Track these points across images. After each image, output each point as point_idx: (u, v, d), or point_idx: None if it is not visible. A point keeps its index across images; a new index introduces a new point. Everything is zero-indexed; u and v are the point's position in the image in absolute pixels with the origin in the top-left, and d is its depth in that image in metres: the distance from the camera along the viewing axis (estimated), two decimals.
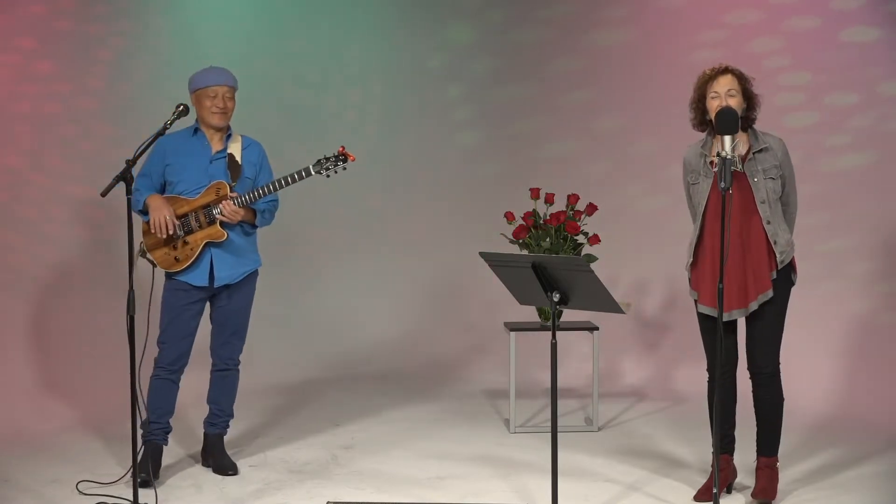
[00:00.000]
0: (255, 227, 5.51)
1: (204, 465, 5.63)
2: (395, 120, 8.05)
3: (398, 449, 5.98)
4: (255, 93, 7.75)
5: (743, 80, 4.90)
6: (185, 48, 7.50)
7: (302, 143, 7.75)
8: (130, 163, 4.71)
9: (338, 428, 6.36)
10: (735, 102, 4.85)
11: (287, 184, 5.33)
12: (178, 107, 4.97)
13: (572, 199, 6.41)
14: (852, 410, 6.56)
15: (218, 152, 5.44)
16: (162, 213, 5.29)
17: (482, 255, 4.66)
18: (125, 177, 4.67)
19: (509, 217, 6.46)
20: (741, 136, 4.88)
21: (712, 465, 4.96)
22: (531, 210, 6.40)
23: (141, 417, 5.30)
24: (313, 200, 7.90)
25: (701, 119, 4.97)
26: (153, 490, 5.04)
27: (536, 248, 6.29)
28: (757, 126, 4.97)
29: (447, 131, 8.06)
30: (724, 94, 4.86)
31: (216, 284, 5.42)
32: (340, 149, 5.42)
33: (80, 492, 5.22)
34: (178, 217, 5.34)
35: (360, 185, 8.00)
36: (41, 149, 6.98)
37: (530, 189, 6.48)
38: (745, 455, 5.28)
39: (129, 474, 5.23)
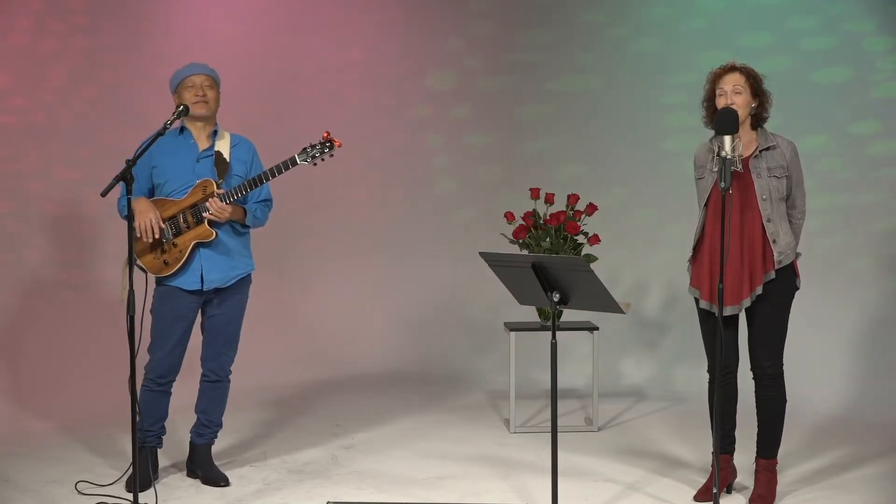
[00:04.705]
0: (246, 226, 5.34)
1: (189, 475, 5.48)
2: (394, 119, 8.04)
3: (398, 449, 5.97)
4: (254, 92, 7.77)
5: (751, 78, 4.88)
6: (182, 47, 7.50)
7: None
8: (130, 163, 4.69)
9: (338, 428, 6.36)
10: (741, 100, 4.84)
11: (274, 175, 5.13)
12: (178, 107, 4.99)
13: (572, 199, 6.41)
14: (856, 411, 6.56)
15: (205, 150, 5.25)
16: (147, 217, 5.11)
17: (482, 255, 4.66)
18: (125, 177, 4.64)
19: (509, 217, 6.45)
20: (747, 136, 4.89)
21: (712, 465, 4.96)
22: (531, 210, 6.40)
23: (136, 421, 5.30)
24: (313, 201, 7.90)
25: (711, 117, 4.96)
26: (153, 490, 5.03)
27: (536, 248, 6.29)
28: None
29: (448, 131, 8.05)
30: (729, 92, 4.85)
31: (206, 287, 5.21)
32: (325, 134, 5.14)
33: (79, 492, 5.21)
34: (166, 220, 5.16)
35: (361, 185, 8.01)
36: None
37: (530, 189, 6.48)
38: (745, 455, 5.27)
39: (127, 477, 5.24)
